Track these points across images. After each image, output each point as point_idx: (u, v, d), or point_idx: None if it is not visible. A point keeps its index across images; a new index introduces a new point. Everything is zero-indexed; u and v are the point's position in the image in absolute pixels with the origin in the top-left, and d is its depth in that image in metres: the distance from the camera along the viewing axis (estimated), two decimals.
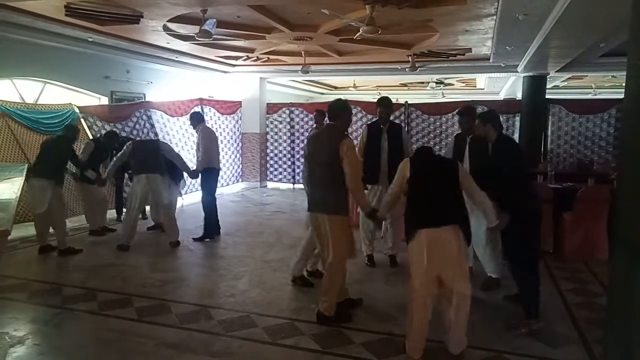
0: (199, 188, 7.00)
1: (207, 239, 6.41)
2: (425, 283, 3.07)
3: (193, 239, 6.40)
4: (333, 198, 3.71)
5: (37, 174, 5.49)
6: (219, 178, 7.39)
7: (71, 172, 6.34)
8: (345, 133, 3.81)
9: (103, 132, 7.59)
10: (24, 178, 4.62)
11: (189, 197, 8.91)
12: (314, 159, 3.83)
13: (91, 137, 7.42)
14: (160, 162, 6.06)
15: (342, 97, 12.19)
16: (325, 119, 4.52)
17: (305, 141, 4.07)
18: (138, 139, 7.14)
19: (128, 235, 5.95)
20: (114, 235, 6.59)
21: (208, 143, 6.40)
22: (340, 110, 3.82)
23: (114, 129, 7.59)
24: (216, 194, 6.65)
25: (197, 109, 10.17)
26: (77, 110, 7.69)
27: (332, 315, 3.75)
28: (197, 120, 6.56)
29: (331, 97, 17.11)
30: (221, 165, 10.67)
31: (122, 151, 6.07)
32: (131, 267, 5.25)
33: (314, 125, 9.20)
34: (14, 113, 6.91)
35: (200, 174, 6.42)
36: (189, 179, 7.65)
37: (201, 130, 6.43)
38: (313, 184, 3.90)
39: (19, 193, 3.65)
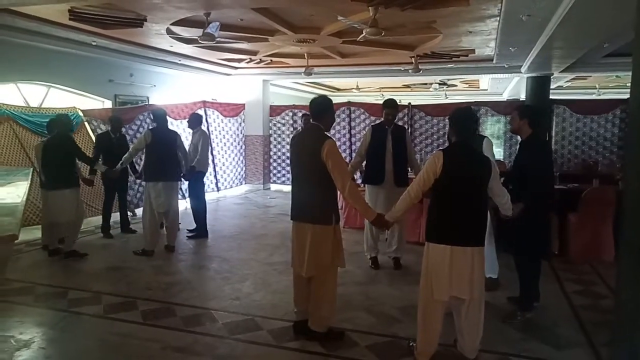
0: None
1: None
2: (442, 290, 3.03)
3: (187, 234, 6.71)
4: (318, 206, 3.36)
5: (56, 186, 5.41)
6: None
7: (83, 178, 5.94)
8: (327, 134, 3.41)
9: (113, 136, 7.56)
10: (29, 182, 4.63)
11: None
12: (296, 163, 3.54)
13: (93, 137, 7.42)
14: (176, 162, 5.98)
15: (348, 99, 12.21)
16: None
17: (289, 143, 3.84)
18: (154, 126, 6.01)
19: (149, 241, 5.79)
20: (120, 238, 6.62)
21: (206, 147, 6.67)
22: (325, 109, 3.46)
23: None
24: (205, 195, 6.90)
25: (201, 111, 10.21)
26: (81, 113, 7.72)
27: (324, 333, 3.49)
28: (198, 122, 6.73)
29: (335, 99, 17.10)
30: (217, 168, 10.84)
31: (139, 139, 5.84)
32: (136, 271, 5.25)
33: (299, 129, 9.32)
34: (19, 117, 6.93)
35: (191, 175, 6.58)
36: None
37: (200, 133, 6.65)
38: (296, 190, 3.55)
39: (25, 197, 3.66)
